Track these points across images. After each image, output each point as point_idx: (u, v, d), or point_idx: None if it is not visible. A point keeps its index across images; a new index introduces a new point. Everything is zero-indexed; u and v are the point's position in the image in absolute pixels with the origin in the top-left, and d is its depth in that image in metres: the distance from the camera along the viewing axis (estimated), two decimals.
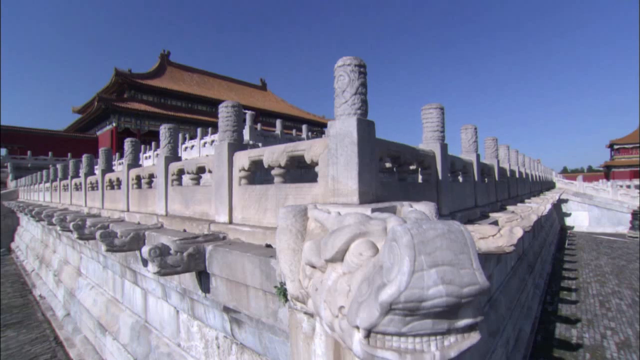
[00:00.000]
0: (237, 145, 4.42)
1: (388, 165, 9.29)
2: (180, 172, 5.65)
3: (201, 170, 5.13)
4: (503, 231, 4.09)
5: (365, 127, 2.96)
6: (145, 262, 5.03)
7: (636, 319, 8.25)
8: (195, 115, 39.40)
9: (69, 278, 9.82)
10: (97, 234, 4.74)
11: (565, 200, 24.11)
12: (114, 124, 34.83)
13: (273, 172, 3.79)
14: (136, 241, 4.95)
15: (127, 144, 7.50)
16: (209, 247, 3.73)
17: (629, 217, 21.52)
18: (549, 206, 8.36)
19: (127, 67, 37.66)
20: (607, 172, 52.85)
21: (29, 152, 31.39)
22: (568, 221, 24.31)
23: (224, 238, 4.08)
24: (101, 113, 35.51)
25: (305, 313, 2.69)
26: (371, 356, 1.45)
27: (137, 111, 35.51)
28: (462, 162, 5.84)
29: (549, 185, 24.30)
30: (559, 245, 17.57)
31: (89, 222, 6.45)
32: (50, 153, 32.09)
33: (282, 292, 2.84)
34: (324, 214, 2.42)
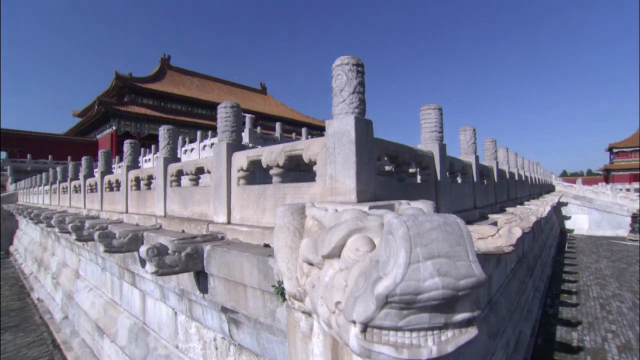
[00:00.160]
0: (235, 145, 4.42)
1: (388, 168, 9.31)
2: (179, 173, 5.65)
3: (200, 171, 5.13)
4: (502, 231, 4.09)
5: (363, 126, 2.96)
6: (143, 263, 5.02)
7: (637, 322, 8.21)
8: (195, 118, 39.50)
9: (68, 280, 9.78)
10: (96, 235, 4.73)
11: (565, 204, 24.10)
12: (114, 128, 34.89)
13: (271, 171, 3.79)
14: (134, 242, 4.94)
15: (127, 145, 7.51)
16: (207, 247, 3.72)
17: (628, 220, 21.50)
18: (548, 208, 8.35)
19: (127, 71, 37.85)
20: (607, 176, 52.91)
21: (28, 156, 31.41)
22: (568, 224, 24.28)
23: (222, 238, 4.07)
24: (101, 116, 35.60)
25: (303, 312, 2.67)
26: (368, 351, 1.44)
27: (137, 115, 35.60)
28: (461, 163, 5.85)
29: (549, 188, 24.31)
30: (559, 248, 17.54)
31: (87, 223, 6.44)
32: (50, 156, 32.11)
33: (280, 291, 2.83)
34: (322, 211, 2.42)
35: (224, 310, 3.69)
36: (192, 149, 21.71)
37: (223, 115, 4.44)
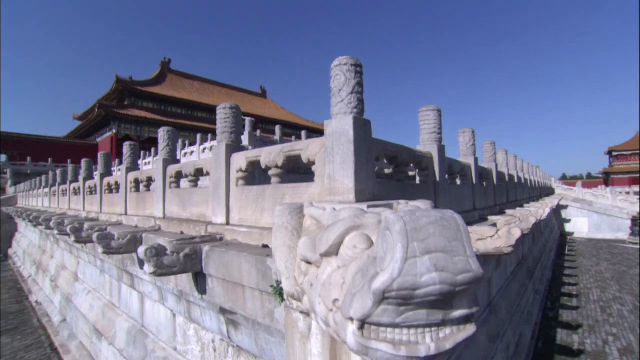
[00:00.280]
0: (235, 146, 4.43)
1: (388, 171, 9.31)
2: (179, 175, 5.65)
3: (199, 172, 5.13)
4: (501, 232, 4.08)
5: (362, 126, 2.97)
6: (141, 264, 5.00)
7: (638, 325, 8.17)
8: (196, 122, 39.58)
9: (66, 283, 9.74)
10: (94, 236, 4.71)
11: (565, 207, 24.08)
12: (114, 131, 34.94)
13: (270, 172, 3.79)
14: (133, 243, 4.92)
15: (126, 147, 7.52)
16: (205, 248, 3.71)
17: (628, 223, 21.48)
18: (548, 210, 8.34)
19: (128, 75, 37.98)
20: (607, 179, 52.93)
21: (28, 159, 31.43)
22: (568, 227, 24.25)
23: (221, 239, 4.06)
24: (101, 120, 35.66)
25: (302, 312, 2.66)
26: (365, 348, 1.43)
27: (137, 118, 35.67)
28: (460, 164, 5.85)
29: (548, 191, 24.31)
30: (559, 251, 17.50)
31: (86, 225, 6.43)
32: (50, 159, 32.13)
33: (278, 291, 2.81)
34: (320, 210, 2.42)
35: (223, 311, 3.68)
36: (191, 152, 21.73)
37: (222, 116, 4.45)
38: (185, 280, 4.20)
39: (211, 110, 41.15)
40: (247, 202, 4.04)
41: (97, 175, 9.23)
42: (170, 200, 5.75)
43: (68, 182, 12.68)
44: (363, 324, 1.43)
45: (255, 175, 4.58)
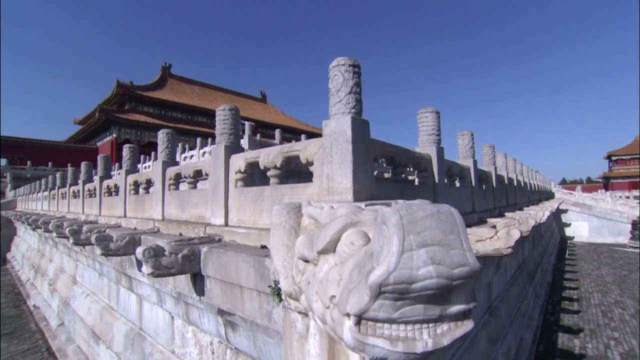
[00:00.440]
0: (233, 148, 4.43)
1: (387, 175, 9.31)
2: (178, 177, 5.65)
3: (198, 173, 5.13)
4: (500, 233, 4.07)
5: (360, 126, 2.97)
6: (140, 265, 4.97)
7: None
8: (196, 126, 39.67)
9: (64, 287, 9.69)
10: (93, 238, 4.70)
11: (565, 211, 24.05)
12: (115, 135, 35.00)
13: (269, 173, 3.79)
14: (132, 245, 4.90)
15: (126, 150, 7.53)
16: (203, 249, 3.69)
17: (629, 227, 21.44)
18: (547, 213, 8.33)
19: (129, 79, 38.15)
20: (606, 183, 52.93)
21: (28, 163, 31.42)
22: (568, 231, 24.19)
23: (220, 240, 4.05)
24: (102, 124, 35.75)
25: (299, 312, 2.64)
26: (362, 344, 1.42)
27: (137, 122, 35.76)
28: (459, 167, 5.85)
29: (548, 195, 24.29)
30: (560, 255, 17.44)
31: (85, 227, 6.41)
32: (50, 163, 32.11)
33: (276, 292, 2.80)
34: (318, 209, 2.41)
35: (221, 312, 3.65)
36: (191, 156, 21.74)
37: (221, 117, 4.46)
38: (183, 282, 4.18)
39: (211, 115, 41.25)
40: (246, 203, 4.04)
41: (96, 178, 9.23)
42: (169, 203, 5.74)
43: (67, 185, 12.67)
44: (360, 319, 1.42)
45: (255, 177, 4.59)
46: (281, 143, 21.76)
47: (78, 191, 11.21)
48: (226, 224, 4.27)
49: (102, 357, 6.32)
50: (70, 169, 13.15)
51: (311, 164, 3.32)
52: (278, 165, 3.66)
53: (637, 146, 52.47)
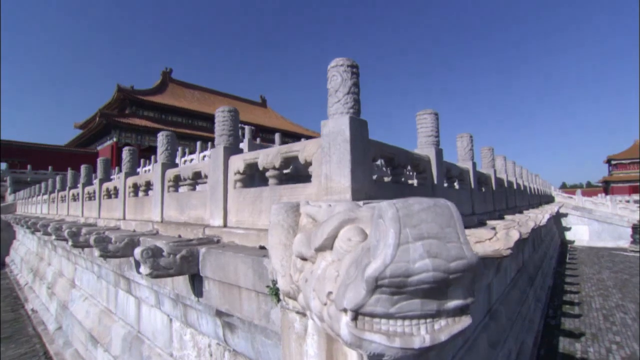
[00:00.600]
0: (232, 149, 4.44)
1: (387, 179, 9.30)
2: (177, 179, 5.65)
3: (197, 175, 5.13)
4: (499, 234, 4.06)
5: (358, 126, 2.98)
6: (138, 266, 4.96)
7: None
8: (196, 131, 39.78)
9: (63, 290, 9.65)
10: (92, 239, 4.69)
11: (565, 215, 24.01)
12: (115, 139, 35.09)
13: (268, 173, 3.80)
14: (130, 247, 4.89)
15: (125, 152, 7.54)
16: (202, 250, 3.68)
17: (629, 231, 21.40)
18: (547, 216, 8.32)
19: (129, 84, 38.35)
20: (606, 188, 52.92)
21: (29, 166, 31.45)
22: (568, 235, 24.13)
23: (218, 241, 4.04)
24: (102, 128, 35.85)
25: (298, 312, 2.63)
26: (359, 339, 1.41)
27: (137, 127, 35.87)
28: (458, 169, 5.86)
29: (548, 199, 24.27)
30: (560, 259, 17.38)
31: (84, 230, 6.40)
32: (50, 167, 32.15)
33: (274, 292, 2.79)
34: (316, 208, 2.41)
35: (219, 314, 3.63)
36: (191, 160, 21.76)
37: (220, 119, 4.48)
38: (181, 283, 4.17)
39: (212, 119, 41.05)
40: (245, 204, 4.04)
41: (96, 181, 9.23)
42: (169, 204, 5.74)
43: (67, 188, 12.66)
44: (356, 315, 1.41)
45: (255, 179, 4.59)
46: None
47: (77, 194, 11.20)
48: (225, 225, 4.27)
49: None
50: (70, 172, 13.14)
51: (310, 164, 3.32)
52: (277, 165, 3.66)
53: (637, 150, 52.56)
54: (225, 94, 53.33)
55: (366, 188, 3.02)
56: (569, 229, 24.17)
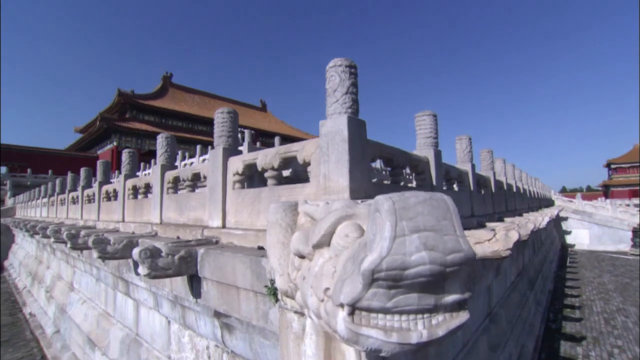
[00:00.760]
0: (231, 150, 4.45)
1: (387, 182, 9.29)
2: (176, 180, 5.65)
3: (196, 177, 5.14)
4: (499, 235, 4.05)
5: (356, 126, 2.99)
6: (136, 267, 4.94)
7: None
8: (196, 135, 39.87)
9: (61, 294, 9.60)
10: (90, 241, 4.68)
11: (565, 218, 23.98)
12: (115, 143, 35.14)
13: (266, 174, 3.80)
14: (129, 249, 4.87)
15: (125, 154, 7.55)
16: (200, 251, 3.68)
17: (629, 234, 21.36)
18: (547, 219, 8.31)
19: (130, 89, 38.50)
20: (606, 191, 52.89)
21: (29, 170, 31.45)
22: (569, 239, 24.08)
23: (217, 242, 4.03)
24: (102, 132, 35.94)
25: (296, 312, 2.62)
26: (356, 335, 1.40)
27: (138, 131, 35.95)
28: (457, 170, 5.86)
29: (548, 203, 24.25)
30: (561, 263, 17.32)
31: (83, 232, 6.39)
32: (50, 171, 32.13)
33: (273, 292, 2.78)
34: (314, 206, 2.41)
35: (217, 315, 3.61)
36: (191, 163, 21.79)
37: (220, 120, 4.49)
38: (180, 285, 4.15)
39: (211, 123, 41.18)
40: (243, 205, 4.04)
41: (95, 184, 9.23)
42: (168, 206, 5.74)
43: (67, 191, 12.66)
44: (353, 309, 1.40)
45: (254, 180, 4.59)
46: None
47: (77, 197, 11.20)
48: (224, 226, 4.26)
49: None
50: (69, 176, 13.14)
51: (308, 164, 3.33)
52: (275, 166, 3.67)
53: (637, 154, 52.63)
54: (225, 98, 53.53)
55: (364, 188, 3.02)
56: (569, 232, 24.13)
